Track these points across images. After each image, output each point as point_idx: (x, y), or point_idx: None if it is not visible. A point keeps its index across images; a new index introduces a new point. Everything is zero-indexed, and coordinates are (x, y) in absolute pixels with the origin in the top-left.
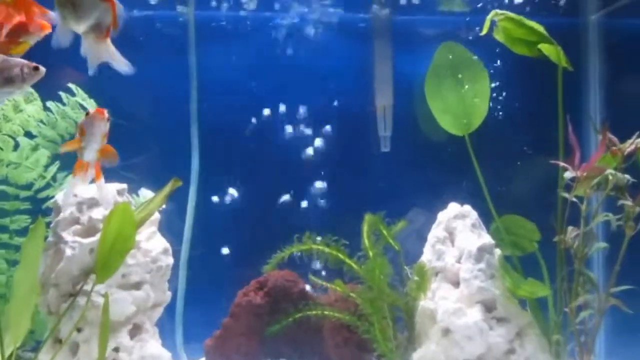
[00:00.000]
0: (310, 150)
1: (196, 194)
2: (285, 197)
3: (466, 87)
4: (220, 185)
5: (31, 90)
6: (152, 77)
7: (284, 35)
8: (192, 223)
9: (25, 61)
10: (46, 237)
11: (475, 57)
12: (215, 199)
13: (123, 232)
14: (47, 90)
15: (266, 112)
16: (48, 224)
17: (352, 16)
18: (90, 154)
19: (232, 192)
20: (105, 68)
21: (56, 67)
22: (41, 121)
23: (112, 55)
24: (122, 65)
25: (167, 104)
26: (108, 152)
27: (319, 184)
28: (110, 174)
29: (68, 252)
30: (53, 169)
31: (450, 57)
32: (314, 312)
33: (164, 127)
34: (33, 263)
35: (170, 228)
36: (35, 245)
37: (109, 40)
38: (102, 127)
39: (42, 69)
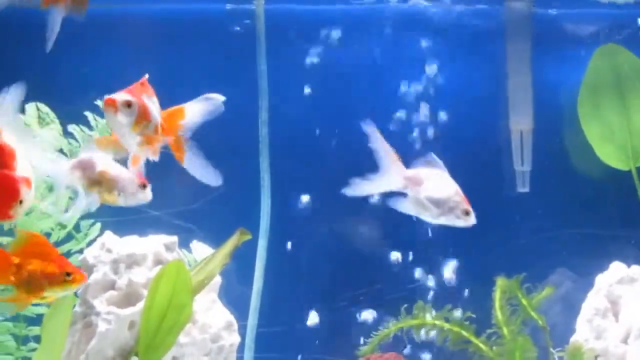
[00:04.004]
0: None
1: (267, 249)
2: (387, 253)
3: (634, 105)
4: (300, 238)
5: (47, 109)
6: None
7: (385, 36)
8: (261, 288)
9: (132, 176)
10: (73, 307)
11: None
12: (292, 255)
13: (176, 300)
14: (69, 110)
15: (360, 136)
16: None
17: (477, 10)
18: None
19: (316, 246)
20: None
21: (82, 78)
22: (61, 151)
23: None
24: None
25: (229, 129)
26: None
27: (433, 237)
28: (161, 224)
29: (101, 326)
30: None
31: (612, 65)
32: None
33: (226, 160)
34: (57, 342)
35: (232, 295)
36: (60, 318)
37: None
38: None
39: (148, 191)
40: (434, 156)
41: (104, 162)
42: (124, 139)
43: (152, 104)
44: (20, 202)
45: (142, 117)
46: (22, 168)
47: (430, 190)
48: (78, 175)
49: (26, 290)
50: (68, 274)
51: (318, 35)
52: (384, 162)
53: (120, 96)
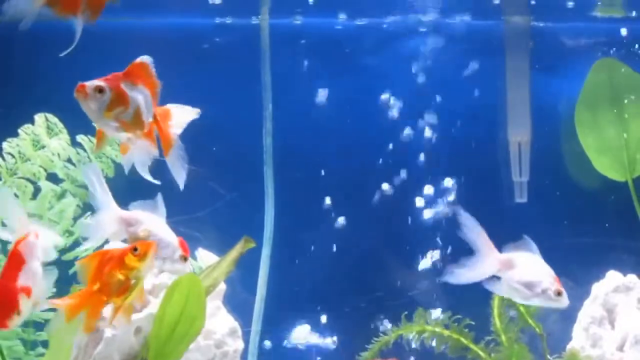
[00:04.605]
0: (419, 200)
1: (270, 257)
2: (389, 261)
3: (630, 118)
4: (303, 246)
5: (55, 120)
6: (214, 103)
7: (388, 50)
8: (265, 295)
9: (175, 245)
10: None
11: None
12: (295, 262)
13: (188, 311)
14: (77, 120)
15: (363, 147)
16: None
17: (477, 24)
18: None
19: (318, 253)
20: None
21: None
22: (69, 160)
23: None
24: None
25: (234, 139)
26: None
27: (433, 246)
28: None
29: (108, 332)
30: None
31: (609, 78)
32: None
33: (230, 169)
34: (65, 347)
35: (235, 302)
36: (69, 324)
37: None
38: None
39: (188, 265)
40: (528, 239)
41: (152, 224)
42: (98, 124)
43: (135, 92)
44: (18, 312)
45: (116, 103)
46: (29, 271)
47: (523, 274)
48: (122, 228)
49: (117, 294)
50: (135, 249)
51: (320, 47)
52: (480, 249)
53: (92, 82)
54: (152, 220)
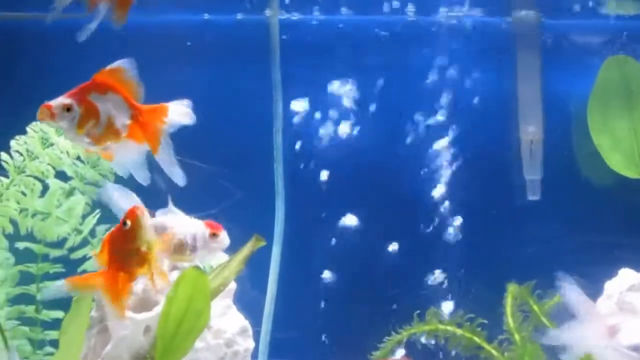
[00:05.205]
0: (431, 198)
1: (281, 255)
2: (399, 261)
3: None
4: (313, 244)
5: None
6: (224, 101)
7: (397, 46)
8: (276, 294)
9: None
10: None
11: None
12: (306, 261)
13: (193, 306)
14: None
15: (372, 144)
16: None
17: (488, 21)
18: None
19: (329, 253)
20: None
21: None
22: (78, 158)
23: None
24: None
25: (244, 137)
26: None
27: (445, 244)
28: None
29: (117, 331)
30: (92, 220)
31: (621, 75)
32: None
33: (240, 167)
34: (75, 346)
35: (246, 301)
36: (78, 322)
37: None
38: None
39: (222, 238)
40: (628, 299)
41: (176, 225)
42: (74, 141)
43: (104, 101)
44: None
45: (86, 117)
46: None
47: (629, 338)
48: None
49: (139, 266)
50: (125, 223)
51: (330, 45)
52: (586, 318)
53: (57, 101)
54: (174, 221)
